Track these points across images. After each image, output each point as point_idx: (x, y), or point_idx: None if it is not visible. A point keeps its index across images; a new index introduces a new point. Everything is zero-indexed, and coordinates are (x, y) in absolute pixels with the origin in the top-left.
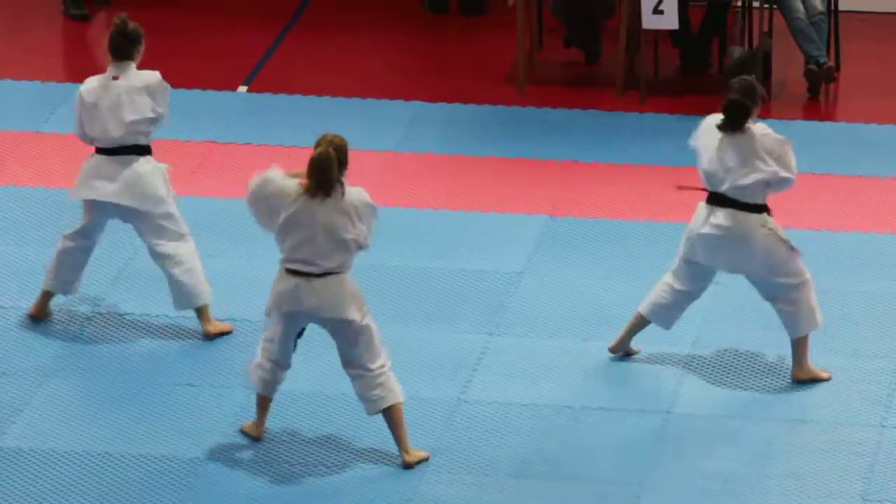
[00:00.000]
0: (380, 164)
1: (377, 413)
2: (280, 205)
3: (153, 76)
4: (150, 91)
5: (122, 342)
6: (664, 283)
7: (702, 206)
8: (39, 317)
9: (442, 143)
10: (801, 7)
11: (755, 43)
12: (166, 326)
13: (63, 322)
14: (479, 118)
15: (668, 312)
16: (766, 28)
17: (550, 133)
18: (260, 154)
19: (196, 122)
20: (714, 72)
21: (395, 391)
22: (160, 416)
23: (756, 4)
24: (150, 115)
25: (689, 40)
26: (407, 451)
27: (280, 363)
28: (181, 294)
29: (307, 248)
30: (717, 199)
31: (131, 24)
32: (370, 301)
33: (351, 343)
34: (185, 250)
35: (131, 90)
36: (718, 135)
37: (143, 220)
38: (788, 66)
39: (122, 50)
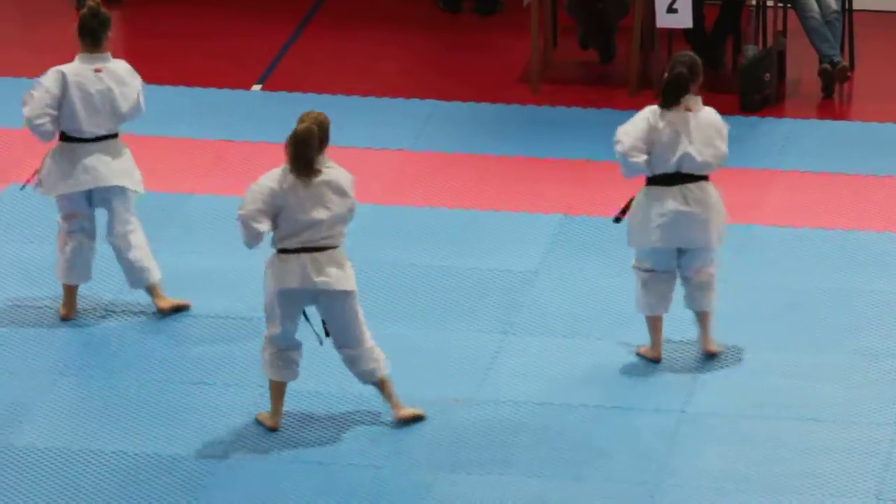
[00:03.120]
0: (394, 163)
1: (373, 382)
2: (274, 199)
3: (128, 66)
4: (133, 81)
5: (135, 341)
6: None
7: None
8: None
9: (456, 142)
10: (815, 6)
11: (769, 42)
12: (180, 325)
13: (76, 321)
14: (493, 117)
15: (667, 299)
16: (780, 27)
17: (565, 132)
18: (274, 153)
19: (211, 121)
20: (728, 71)
21: (383, 358)
22: (174, 415)
23: (770, 3)
24: (138, 103)
25: (704, 39)
26: (401, 408)
27: (289, 347)
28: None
29: (310, 226)
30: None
31: (104, 10)
32: (384, 300)
33: (349, 317)
34: (139, 233)
35: (118, 81)
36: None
37: (121, 198)
38: (803, 65)
39: (101, 38)
